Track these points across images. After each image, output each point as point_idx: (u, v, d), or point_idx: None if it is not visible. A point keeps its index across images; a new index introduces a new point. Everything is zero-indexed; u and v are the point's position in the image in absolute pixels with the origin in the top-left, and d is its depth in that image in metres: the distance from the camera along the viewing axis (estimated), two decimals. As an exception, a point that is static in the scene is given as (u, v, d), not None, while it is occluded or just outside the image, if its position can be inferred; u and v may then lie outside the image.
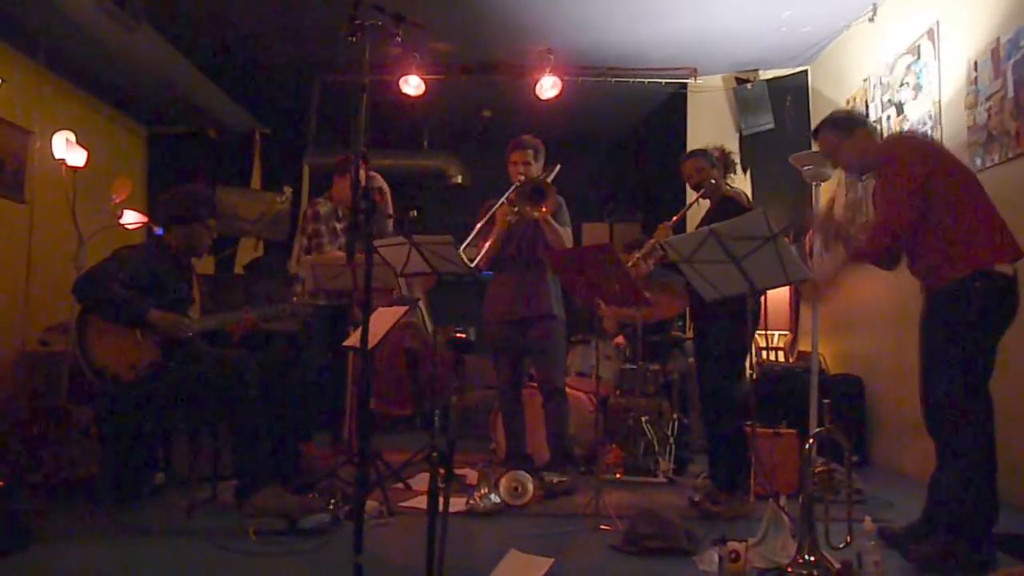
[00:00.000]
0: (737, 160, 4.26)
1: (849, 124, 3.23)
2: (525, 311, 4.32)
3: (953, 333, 2.88)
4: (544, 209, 4.05)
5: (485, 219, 4.18)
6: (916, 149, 3.09)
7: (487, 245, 4.18)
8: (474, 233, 4.17)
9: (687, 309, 4.37)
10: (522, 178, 4.23)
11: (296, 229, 7.57)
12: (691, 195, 4.19)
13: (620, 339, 5.48)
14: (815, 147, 3.44)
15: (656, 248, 3.95)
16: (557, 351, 4.40)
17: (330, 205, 4.86)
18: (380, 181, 4.81)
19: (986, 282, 2.84)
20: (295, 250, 7.38)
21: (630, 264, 3.96)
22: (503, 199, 4.18)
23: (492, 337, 4.42)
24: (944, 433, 2.90)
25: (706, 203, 4.10)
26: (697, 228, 3.66)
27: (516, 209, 4.11)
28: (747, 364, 3.83)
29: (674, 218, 4.05)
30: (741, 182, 6.62)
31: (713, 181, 3.95)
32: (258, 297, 4.45)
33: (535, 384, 4.57)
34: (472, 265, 4.09)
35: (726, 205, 3.88)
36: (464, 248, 4.05)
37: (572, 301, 4.21)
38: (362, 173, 4.66)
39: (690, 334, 5.07)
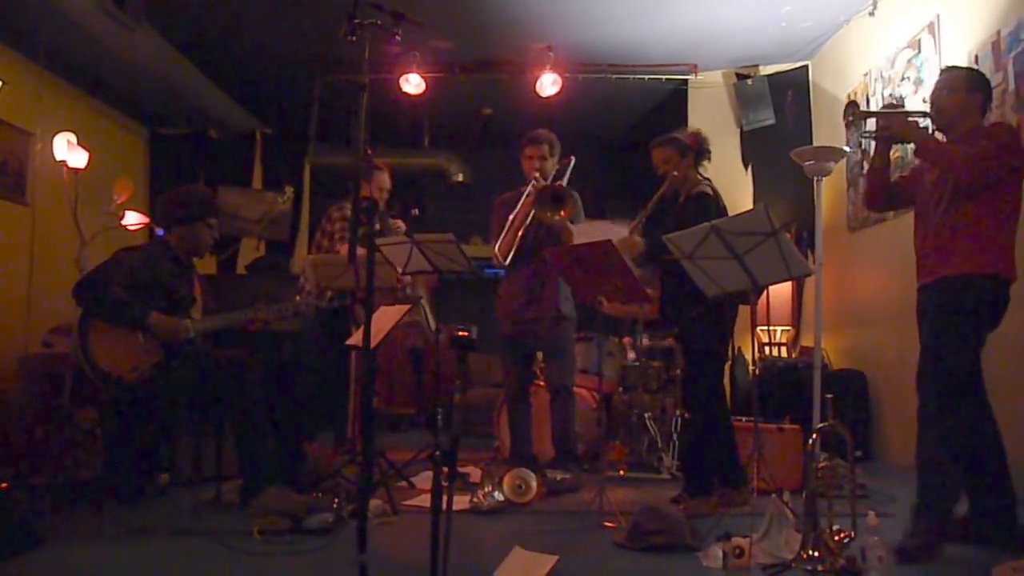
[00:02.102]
0: (724, 148, 4.08)
1: (976, 85, 3.12)
2: (536, 310, 4.33)
3: (977, 323, 2.90)
4: (563, 214, 4.05)
5: (513, 217, 4.19)
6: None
7: (507, 237, 4.24)
8: (506, 230, 4.24)
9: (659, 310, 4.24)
10: (537, 174, 4.24)
11: (298, 228, 7.60)
12: None
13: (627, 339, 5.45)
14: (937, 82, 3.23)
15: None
16: (567, 350, 4.42)
17: None
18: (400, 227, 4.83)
19: (1004, 290, 2.91)
20: (303, 250, 7.41)
21: None
22: (522, 201, 4.17)
23: (503, 336, 4.42)
24: (946, 414, 2.88)
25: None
26: (666, 220, 3.65)
27: (534, 214, 4.12)
28: (746, 361, 3.82)
29: (643, 214, 3.86)
30: (743, 178, 6.63)
31: (675, 174, 3.77)
32: (260, 297, 4.45)
33: (541, 382, 4.57)
34: (502, 260, 4.16)
35: (691, 205, 3.73)
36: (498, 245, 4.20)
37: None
38: (385, 177, 4.75)
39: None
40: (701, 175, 3.90)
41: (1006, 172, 2.90)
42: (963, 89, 3.08)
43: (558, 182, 4.26)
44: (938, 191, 3.05)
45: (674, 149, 3.83)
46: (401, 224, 4.80)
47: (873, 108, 5.33)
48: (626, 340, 5.43)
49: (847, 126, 3.40)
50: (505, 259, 4.30)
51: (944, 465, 2.87)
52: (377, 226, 4.66)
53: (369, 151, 4.40)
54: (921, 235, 3.16)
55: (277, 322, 3.91)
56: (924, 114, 3.26)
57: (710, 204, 3.69)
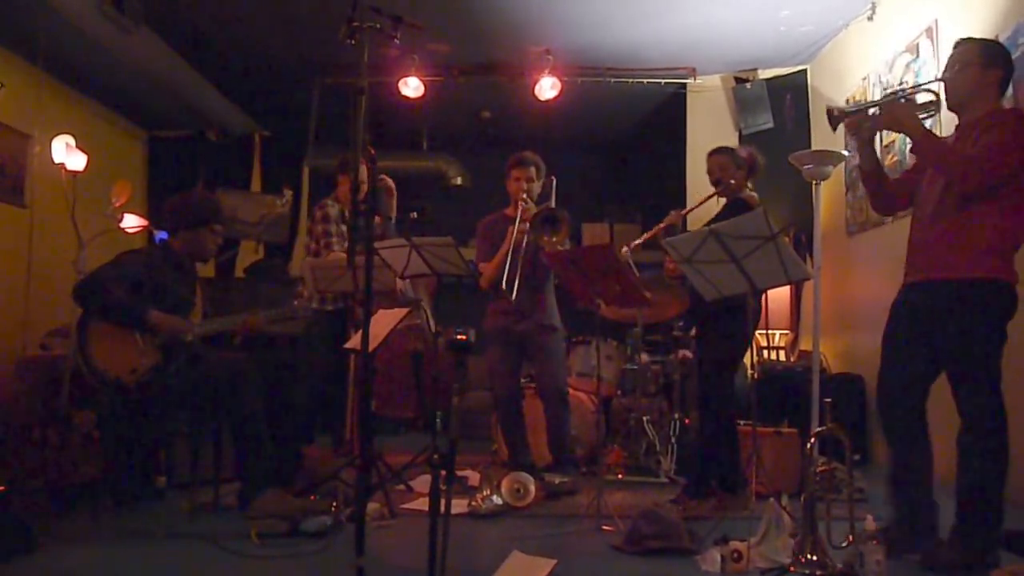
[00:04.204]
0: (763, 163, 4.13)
1: (993, 60, 2.84)
2: (525, 324, 4.33)
3: (995, 328, 2.79)
4: (557, 237, 4.07)
5: (509, 245, 4.16)
6: None
7: (495, 266, 4.23)
8: (494, 262, 4.25)
9: (686, 309, 4.33)
10: (524, 196, 4.25)
11: (296, 231, 7.60)
12: (698, 192, 4.19)
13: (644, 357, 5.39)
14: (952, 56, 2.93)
15: (661, 234, 3.92)
16: (557, 359, 4.42)
17: (337, 207, 4.86)
18: (388, 182, 4.83)
19: (1014, 293, 2.81)
20: (302, 253, 7.41)
21: (626, 249, 3.98)
22: (515, 232, 4.17)
23: (491, 349, 4.41)
24: (983, 440, 2.77)
25: (722, 201, 4.04)
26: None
27: (529, 236, 4.15)
28: (745, 365, 3.83)
29: (687, 209, 4.01)
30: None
31: (732, 182, 3.88)
32: (259, 300, 4.45)
33: (534, 386, 4.56)
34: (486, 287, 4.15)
35: (736, 208, 3.78)
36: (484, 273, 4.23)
37: (571, 301, 4.22)
38: (361, 169, 4.75)
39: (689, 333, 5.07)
40: (750, 188, 4.01)
41: (1015, 170, 2.70)
42: (977, 63, 2.81)
43: (546, 204, 4.28)
44: (939, 184, 2.90)
45: (731, 159, 3.95)
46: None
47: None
48: (655, 369, 5.33)
49: (833, 128, 3.19)
50: (489, 287, 4.34)
51: (998, 480, 2.76)
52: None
53: (372, 151, 4.42)
54: (919, 228, 3.01)
55: (275, 326, 3.90)
56: (917, 88, 3.07)
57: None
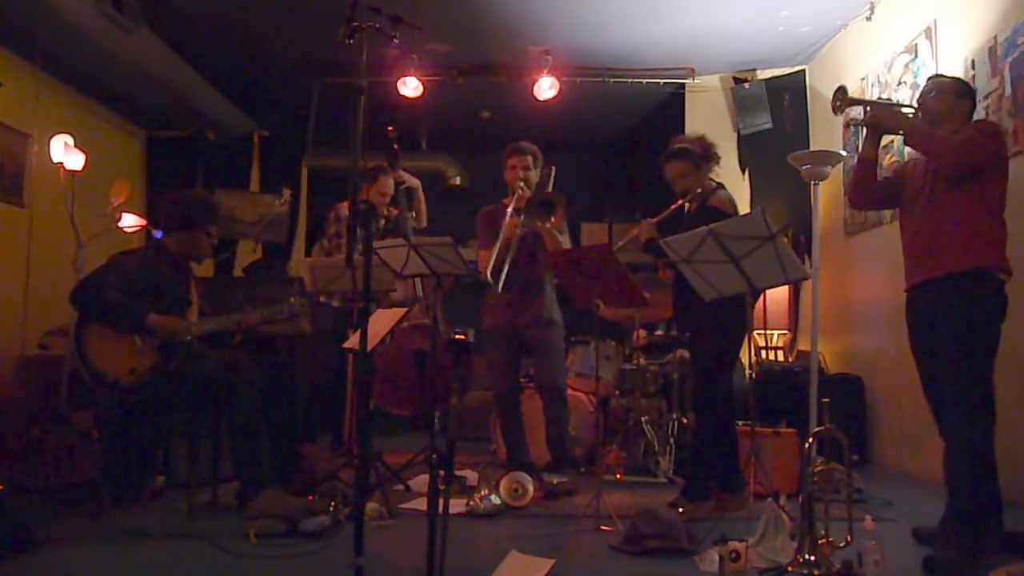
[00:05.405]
0: (721, 152, 4.00)
1: (964, 92, 3.15)
2: (523, 318, 4.32)
3: (988, 321, 2.90)
4: (553, 221, 4.06)
5: (503, 237, 4.14)
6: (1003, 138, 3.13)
7: (492, 254, 4.19)
8: (494, 253, 4.19)
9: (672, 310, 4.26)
10: (522, 184, 4.25)
11: (295, 231, 7.60)
12: None
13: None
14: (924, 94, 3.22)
15: (635, 240, 3.88)
16: (556, 355, 4.41)
17: None
18: (413, 181, 4.85)
19: (1004, 285, 2.93)
20: (301, 253, 7.44)
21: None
22: (510, 211, 4.17)
23: (490, 345, 4.41)
24: (974, 429, 2.85)
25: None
26: (677, 230, 3.63)
27: (524, 221, 4.12)
28: (743, 365, 3.81)
29: (656, 219, 3.88)
30: (740, 182, 6.63)
31: (700, 190, 3.74)
32: (258, 300, 4.45)
33: (533, 384, 4.57)
34: (486, 278, 4.12)
35: (706, 216, 3.58)
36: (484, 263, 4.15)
37: (570, 301, 4.22)
38: (389, 182, 4.83)
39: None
40: (713, 180, 3.88)
41: (990, 162, 2.92)
42: (951, 92, 3.12)
43: (545, 190, 4.27)
44: (927, 186, 3.06)
45: (689, 162, 3.77)
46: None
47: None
48: (653, 369, 5.29)
49: (835, 110, 3.44)
50: (488, 276, 4.30)
51: (986, 476, 2.82)
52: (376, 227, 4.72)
53: (396, 147, 4.45)
54: (910, 232, 3.16)
55: (272, 325, 3.90)
56: (912, 107, 3.28)
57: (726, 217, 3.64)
